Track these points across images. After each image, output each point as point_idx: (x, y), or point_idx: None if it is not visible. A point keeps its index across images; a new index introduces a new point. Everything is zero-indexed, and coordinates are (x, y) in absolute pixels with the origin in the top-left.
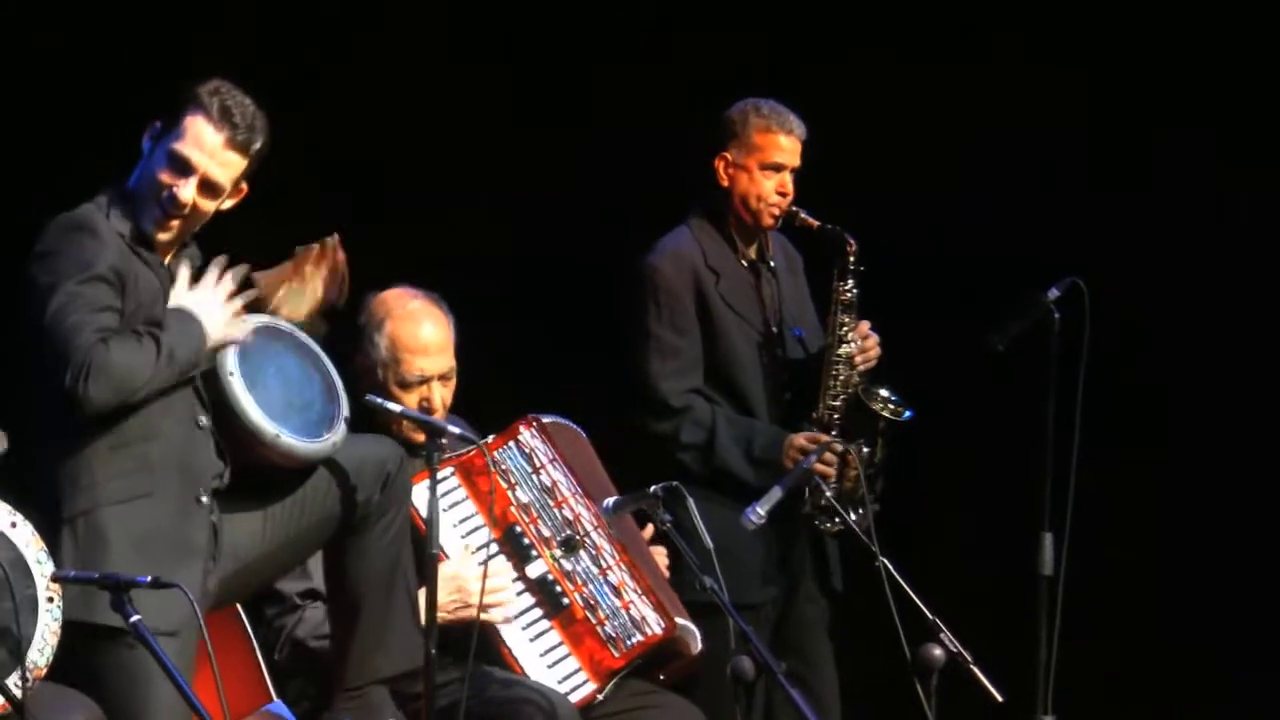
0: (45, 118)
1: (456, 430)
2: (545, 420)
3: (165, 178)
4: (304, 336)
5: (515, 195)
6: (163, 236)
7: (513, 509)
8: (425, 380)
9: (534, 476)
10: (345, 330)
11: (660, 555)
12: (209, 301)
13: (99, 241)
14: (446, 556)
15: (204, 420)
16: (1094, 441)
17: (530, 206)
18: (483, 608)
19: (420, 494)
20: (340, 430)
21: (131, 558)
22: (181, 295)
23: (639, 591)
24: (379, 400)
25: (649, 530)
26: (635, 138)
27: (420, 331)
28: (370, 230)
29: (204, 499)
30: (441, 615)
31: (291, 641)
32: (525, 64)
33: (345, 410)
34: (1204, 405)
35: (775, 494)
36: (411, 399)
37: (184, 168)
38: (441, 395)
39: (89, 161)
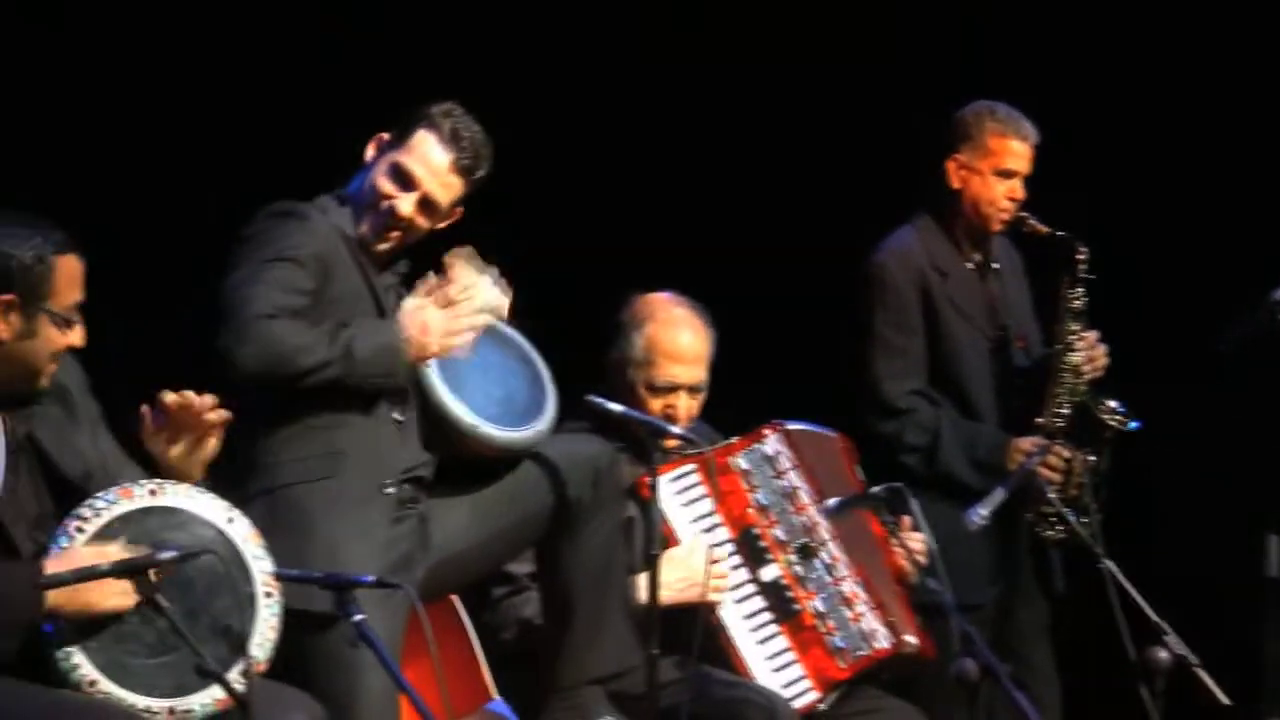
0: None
1: (677, 431)
2: (790, 427)
3: (387, 189)
4: (507, 329)
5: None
6: (380, 247)
7: (751, 511)
8: (675, 388)
9: (775, 481)
10: (605, 325)
11: (917, 541)
12: (421, 311)
13: (306, 229)
14: (679, 540)
15: (398, 415)
16: None
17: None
18: (709, 589)
19: (664, 486)
20: (545, 421)
21: (311, 540)
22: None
23: (870, 605)
24: (600, 401)
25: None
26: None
27: (680, 338)
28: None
29: (389, 489)
30: (666, 594)
31: (518, 621)
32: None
33: (552, 404)
34: None
35: (998, 495)
36: (657, 404)
37: (407, 182)
38: (687, 405)
39: None
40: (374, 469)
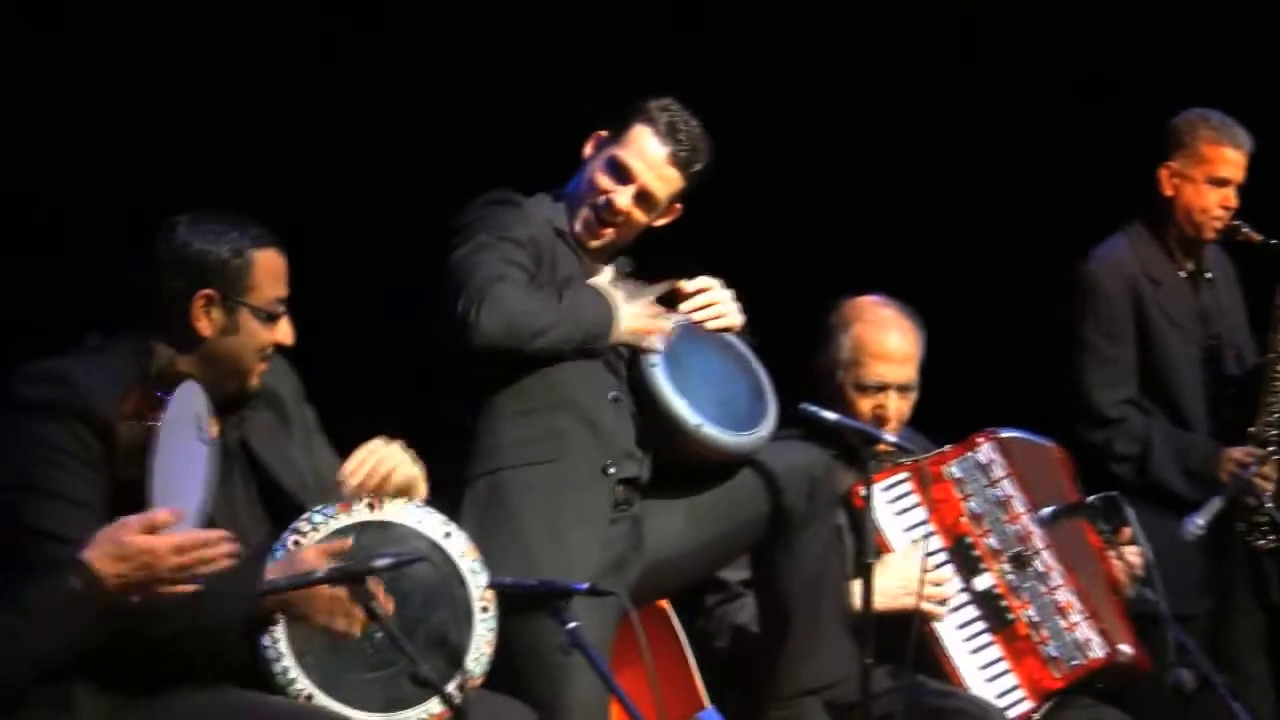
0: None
1: (892, 439)
2: (1004, 435)
3: (604, 183)
4: (730, 337)
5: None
6: (594, 243)
7: (964, 519)
8: (884, 388)
9: (988, 490)
10: (811, 329)
11: (1134, 553)
12: (623, 296)
13: (521, 214)
14: (892, 549)
15: (614, 391)
16: None
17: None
18: (923, 597)
19: (877, 495)
20: (765, 429)
21: (532, 521)
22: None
23: (1084, 614)
24: (814, 409)
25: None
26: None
27: (887, 339)
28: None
29: (611, 470)
30: (881, 600)
31: (732, 628)
32: None
33: (773, 411)
34: None
35: (1215, 505)
36: (866, 404)
37: (624, 175)
38: (898, 406)
39: None
40: (596, 449)
